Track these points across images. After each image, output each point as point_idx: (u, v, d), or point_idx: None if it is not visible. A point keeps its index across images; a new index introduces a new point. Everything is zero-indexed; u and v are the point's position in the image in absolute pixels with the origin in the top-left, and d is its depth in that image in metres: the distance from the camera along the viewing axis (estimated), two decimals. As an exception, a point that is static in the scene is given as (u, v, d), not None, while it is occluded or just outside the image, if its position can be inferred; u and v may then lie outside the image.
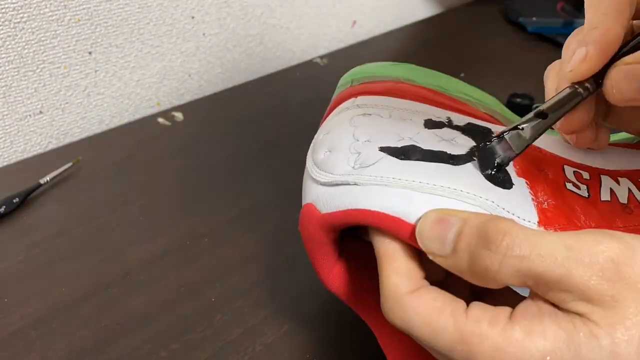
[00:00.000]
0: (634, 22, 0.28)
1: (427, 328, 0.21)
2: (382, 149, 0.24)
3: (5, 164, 0.50)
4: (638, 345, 0.19)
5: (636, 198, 0.26)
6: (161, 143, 0.51)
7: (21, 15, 0.47)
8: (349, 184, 0.24)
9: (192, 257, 0.39)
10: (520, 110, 0.54)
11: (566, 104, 0.25)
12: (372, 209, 0.23)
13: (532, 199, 0.24)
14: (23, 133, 0.51)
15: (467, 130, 0.26)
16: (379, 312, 0.23)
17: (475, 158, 0.24)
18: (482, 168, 0.24)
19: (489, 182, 0.23)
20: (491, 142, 0.24)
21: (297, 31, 0.70)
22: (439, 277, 0.25)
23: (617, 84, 0.24)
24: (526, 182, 0.24)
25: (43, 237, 0.40)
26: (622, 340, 0.19)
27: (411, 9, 0.84)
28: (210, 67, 0.63)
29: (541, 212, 0.24)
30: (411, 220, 0.22)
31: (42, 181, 0.44)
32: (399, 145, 0.24)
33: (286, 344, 0.33)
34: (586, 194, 0.25)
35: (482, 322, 0.21)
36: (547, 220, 0.24)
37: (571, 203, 0.25)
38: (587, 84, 0.25)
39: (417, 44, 0.75)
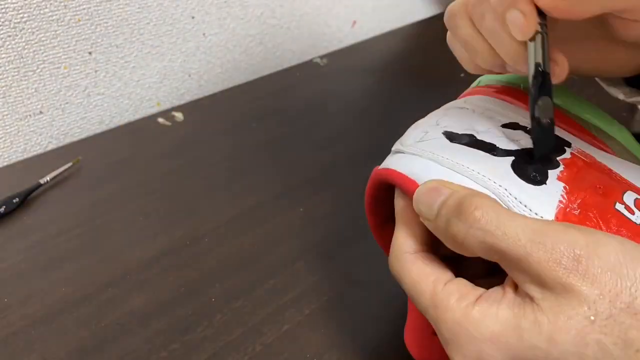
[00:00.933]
0: None
1: (412, 287, 0.25)
2: (444, 133, 0.27)
3: (5, 164, 0.51)
4: (575, 336, 0.20)
5: None
6: (161, 143, 0.51)
7: (21, 15, 0.47)
8: (400, 152, 0.28)
9: (192, 257, 0.39)
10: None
11: (545, 51, 0.26)
12: (398, 169, 0.26)
13: (561, 201, 0.24)
14: (23, 133, 0.51)
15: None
16: None
17: (516, 155, 0.26)
18: (515, 163, 0.25)
19: (517, 175, 0.25)
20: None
21: (297, 31, 0.70)
22: (451, 252, 0.26)
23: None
24: (564, 187, 0.25)
25: (43, 237, 0.40)
26: (561, 329, 0.20)
27: (411, 9, 0.84)
28: (210, 67, 0.63)
29: (564, 214, 0.24)
30: (418, 180, 0.25)
31: (42, 181, 0.44)
32: (459, 132, 0.27)
33: (286, 344, 0.33)
34: (639, 221, 0.25)
35: (452, 296, 0.23)
36: (566, 222, 0.24)
37: (613, 221, 0.25)
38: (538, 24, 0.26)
39: (417, 44, 0.75)
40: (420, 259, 0.25)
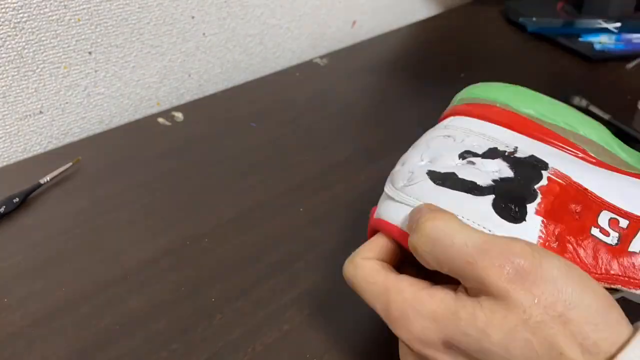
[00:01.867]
0: None
1: (363, 280, 0.27)
2: (428, 173, 0.29)
3: (5, 163, 0.51)
4: (506, 332, 0.22)
5: None
6: (161, 143, 0.51)
7: (21, 15, 0.47)
8: (391, 199, 0.30)
9: (192, 257, 0.39)
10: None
11: None
12: (390, 221, 0.29)
13: (540, 236, 0.26)
14: (23, 133, 0.51)
15: (517, 163, 0.29)
16: None
17: (496, 193, 0.28)
18: (496, 202, 0.27)
19: (497, 215, 0.27)
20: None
21: (297, 31, 0.70)
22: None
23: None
24: (542, 221, 0.27)
25: (43, 237, 0.40)
26: (494, 325, 0.22)
27: (411, 9, 0.84)
28: (210, 67, 0.63)
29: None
30: (402, 226, 0.28)
31: (42, 181, 0.44)
32: (442, 172, 0.29)
33: (286, 344, 0.33)
34: (615, 242, 0.26)
35: (405, 281, 0.26)
36: None
37: (590, 247, 0.26)
38: None
39: (417, 44, 0.75)
40: (370, 262, 0.28)
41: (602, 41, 0.71)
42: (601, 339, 0.22)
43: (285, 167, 0.48)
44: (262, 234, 0.41)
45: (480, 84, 0.36)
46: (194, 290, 0.37)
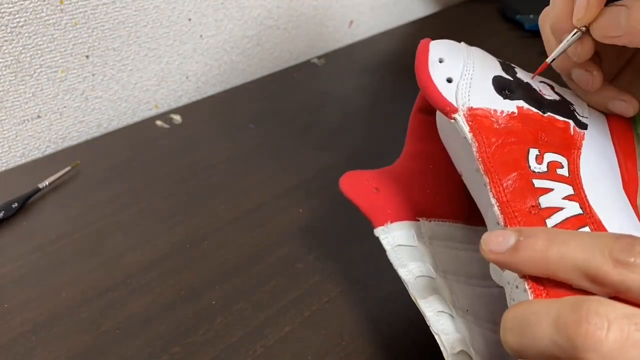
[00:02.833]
0: None
1: None
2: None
3: (3, 168, 0.50)
4: None
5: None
6: (160, 146, 0.51)
7: (18, 19, 0.47)
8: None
9: (192, 260, 0.39)
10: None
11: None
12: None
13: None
14: (21, 138, 0.51)
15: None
16: None
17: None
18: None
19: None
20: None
21: (294, 32, 0.70)
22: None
23: (597, 21, 0.29)
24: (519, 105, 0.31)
25: (42, 242, 0.40)
26: None
27: (408, 8, 0.84)
28: (207, 68, 0.63)
29: None
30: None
31: (40, 186, 0.44)
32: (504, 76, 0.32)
33: (287, 346, 0.33)
34: (539, 170, 0.28)
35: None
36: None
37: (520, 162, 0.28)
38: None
39: (415, 43, 0.74)
40: None
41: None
42: None
43: (284, 168, 0.48)
44: (261, 235, 0.41)
45: None
46: (194, 293, 0.37)
